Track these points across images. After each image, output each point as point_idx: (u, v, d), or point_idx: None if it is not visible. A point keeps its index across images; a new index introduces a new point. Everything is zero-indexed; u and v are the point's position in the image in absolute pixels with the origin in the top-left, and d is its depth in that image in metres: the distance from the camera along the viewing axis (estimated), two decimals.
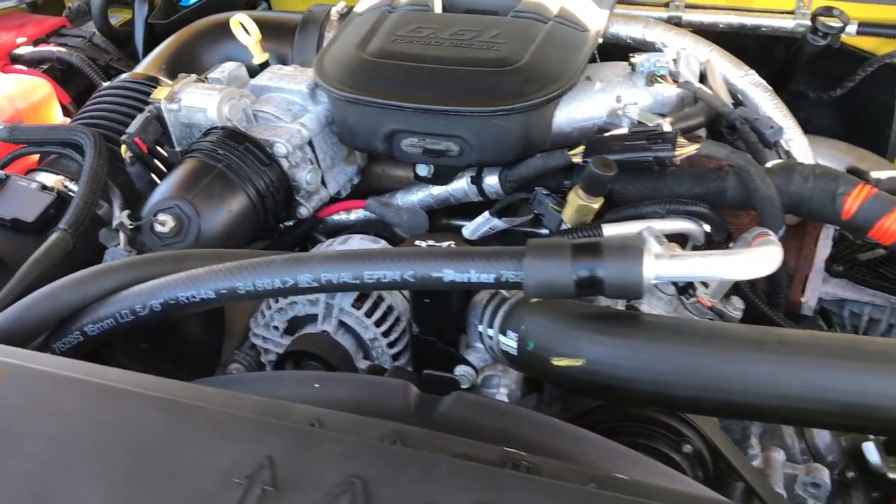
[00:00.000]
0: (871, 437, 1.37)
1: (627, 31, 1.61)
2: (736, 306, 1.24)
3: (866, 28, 1.70)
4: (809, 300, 1.34)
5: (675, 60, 1.38)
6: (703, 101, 1.35)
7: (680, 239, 1.24)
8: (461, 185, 1.42)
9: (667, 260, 0.95)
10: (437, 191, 1.45)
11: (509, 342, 1.05)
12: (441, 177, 1.41)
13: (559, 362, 0.98)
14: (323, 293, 1.22)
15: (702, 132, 1.49)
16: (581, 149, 1.24)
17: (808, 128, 2.03)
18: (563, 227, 1.25)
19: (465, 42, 1.35)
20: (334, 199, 1.49)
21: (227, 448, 0.77)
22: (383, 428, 0.82)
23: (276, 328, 1.32)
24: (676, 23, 1.75)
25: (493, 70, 1.29)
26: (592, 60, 1.48)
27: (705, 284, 1.11)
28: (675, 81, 1.34)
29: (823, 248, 1.38)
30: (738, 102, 1.56)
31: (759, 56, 1.81)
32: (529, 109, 1.26)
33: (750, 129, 1.36)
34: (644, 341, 0.94)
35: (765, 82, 1.56)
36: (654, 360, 0.93)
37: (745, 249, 0.99)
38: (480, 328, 1.13)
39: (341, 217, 1.50)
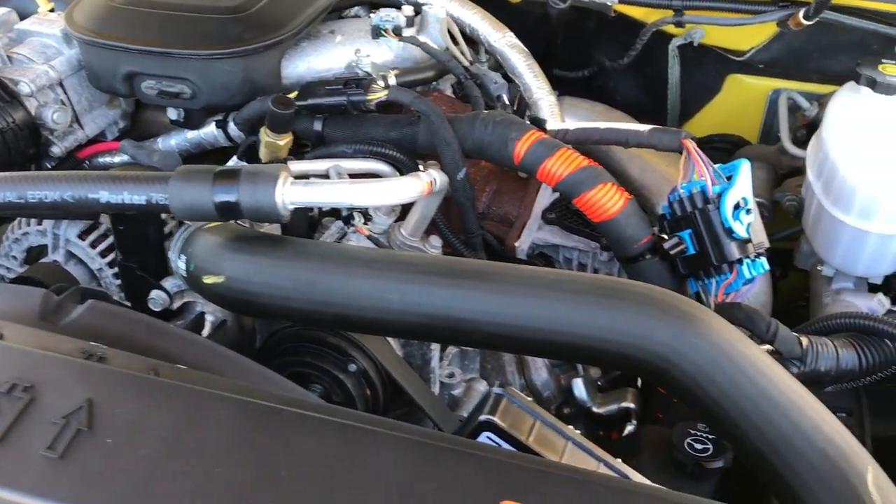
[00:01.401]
0: (581, 374, 1.47)
1: None
2: (433, 244, 1.33)
3: None
4: (523, 244, 1.44)
5: (409, 18, 1.46)
6: (431, 55, 1.44)
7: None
8: (210, 130, 1.50)
9: (300, 186, 1.04)
10: (190, 135, 1.52)
11: (182, 265, 1.13)
12: (191, 120, 1.49)
13: (207, 280, 1.06)
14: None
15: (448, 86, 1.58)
16: (295, 94, 1.32)
17: (615, 97, 2.15)
18: None
19: None
20: (97, 142, 1.56)
21: None
22: None
23: (14, 258, 1.39)
24: None
25: (221, 17, 1.37)
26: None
27: (366, 216, 1.20)
28: (398, 36, 1.42)
29: (543, 198, 1.47)
30: (499, 65, 1.66)
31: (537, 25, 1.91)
32: (247, 54, 1.34)
33: (474, 84, 1.45)
34: (272, 259, 1.03)
35: (520, 43, 1.65)
36: (278, 276, 1.01)
37: (376, 180, 1.08)
38: (171, 254, 1.21)
39: (106, 159, 1.57)
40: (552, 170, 1.21)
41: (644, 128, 1.31)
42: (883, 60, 1.46)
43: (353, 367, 1.18)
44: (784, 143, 1.66)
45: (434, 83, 1.55)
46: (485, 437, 0.80)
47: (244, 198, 1.02)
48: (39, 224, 1.35)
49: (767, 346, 1.13)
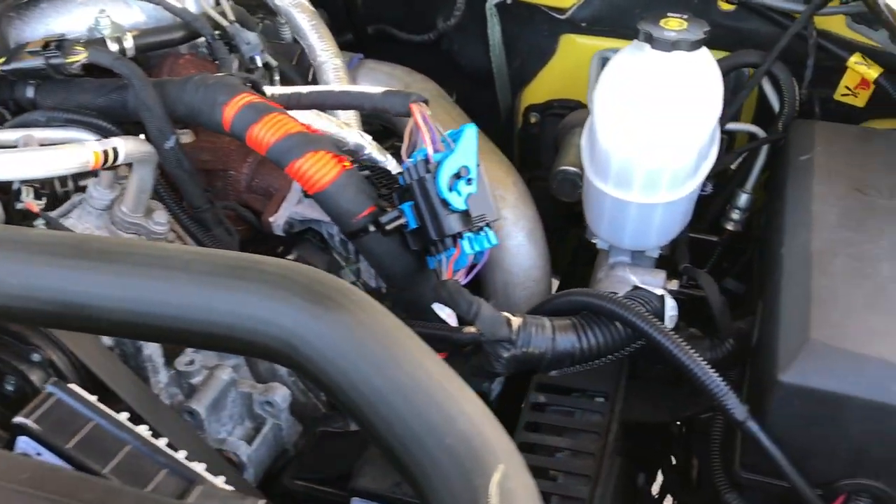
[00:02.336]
0: None
1: None
2: (157, 220, 1.23)
3: None
4: (279, 220, 1.33)
5: None
6: (175, 14, 1.33)
7: None
8: None
9: None
10: None
11: None
12: None
13: None
14: None
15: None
16: (2, 60, 1.21)
17: (461, 61, 2.03)
18: None
19: None
20: None
21: None
22: None
23: None
24: None
25: None
26: None
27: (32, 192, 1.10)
28: None
29: None
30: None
31: None
32: None
33: (223, 45, 1.35)
34: None
35: (306, 2, 1.54)
36: None
37: (18, 150, 0.98)
38: None
39: None
40: (259, 136, 1.10)
41: (379, 90, 1.20)
42: (669, 14, 1.35)
43: (36, 357, 1.08)
44: (590, 108, 1.55)
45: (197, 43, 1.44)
46: (23, 444, 0.70)
47: None
48: None
49: (471, 328, 1.03)
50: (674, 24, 1.30)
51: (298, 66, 1.58)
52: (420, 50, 2.05)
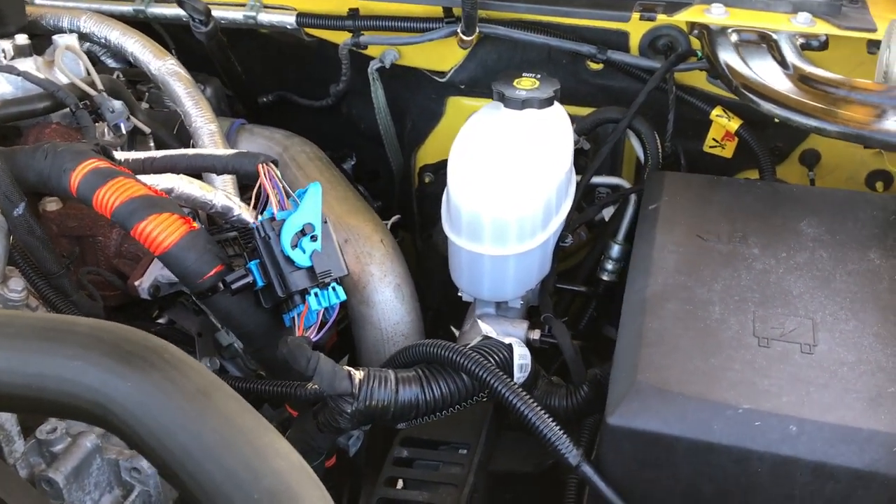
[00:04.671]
0: None
1: (55, 21, 1.61)
2: (12, 287, 1.22)
3: (304, 19, 1.72)
4: (144, 283, 1.34)
5: (22, 47, 1.38)
6: (38, 85, 1.35)
7: None
8: None
9: None
10: None
11: None
12: None
13: None
14: None
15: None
16: None
17: (360, 124, 2.06)
18: None
19: None
20: None
21: None
22: None
23: None
24: (142, 17, 1.74)
25: None
26: None
27: None
28: None
29: None
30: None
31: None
32: None
33: (87, 114, 1.36)
34: None
35: (182, 70, 1.57)
36: None
37: None
38: None
39: None
40: (103, 200, 1.11)
41: (229, 152, 1.22)
42: (524, 74, 1.40)
43: None
44: None
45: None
46: None
47: None
48: None
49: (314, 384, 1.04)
50: (526, 84, 1.35)
51: (180, 132, 1.61)
52: (321, 114, 2.09)
